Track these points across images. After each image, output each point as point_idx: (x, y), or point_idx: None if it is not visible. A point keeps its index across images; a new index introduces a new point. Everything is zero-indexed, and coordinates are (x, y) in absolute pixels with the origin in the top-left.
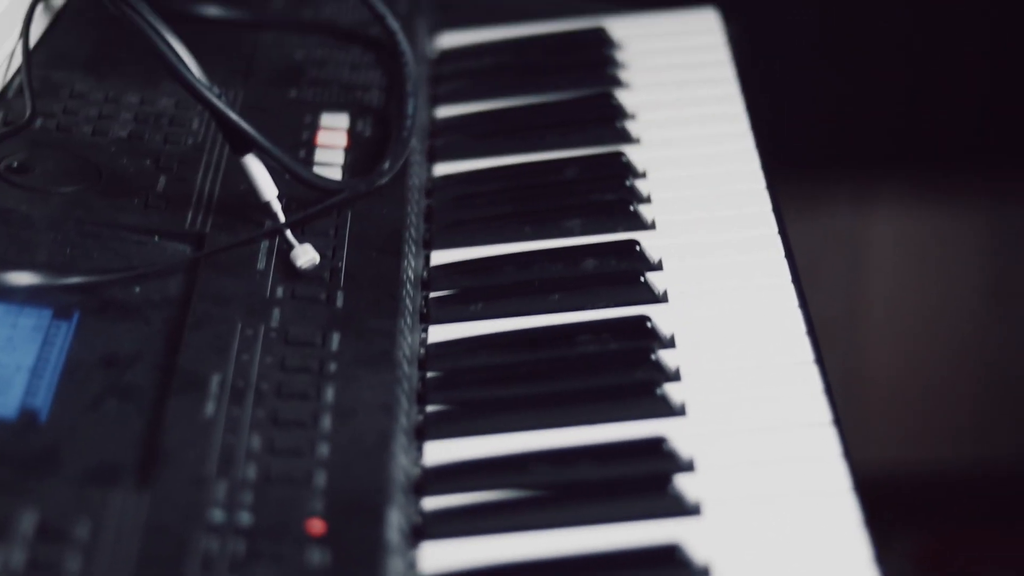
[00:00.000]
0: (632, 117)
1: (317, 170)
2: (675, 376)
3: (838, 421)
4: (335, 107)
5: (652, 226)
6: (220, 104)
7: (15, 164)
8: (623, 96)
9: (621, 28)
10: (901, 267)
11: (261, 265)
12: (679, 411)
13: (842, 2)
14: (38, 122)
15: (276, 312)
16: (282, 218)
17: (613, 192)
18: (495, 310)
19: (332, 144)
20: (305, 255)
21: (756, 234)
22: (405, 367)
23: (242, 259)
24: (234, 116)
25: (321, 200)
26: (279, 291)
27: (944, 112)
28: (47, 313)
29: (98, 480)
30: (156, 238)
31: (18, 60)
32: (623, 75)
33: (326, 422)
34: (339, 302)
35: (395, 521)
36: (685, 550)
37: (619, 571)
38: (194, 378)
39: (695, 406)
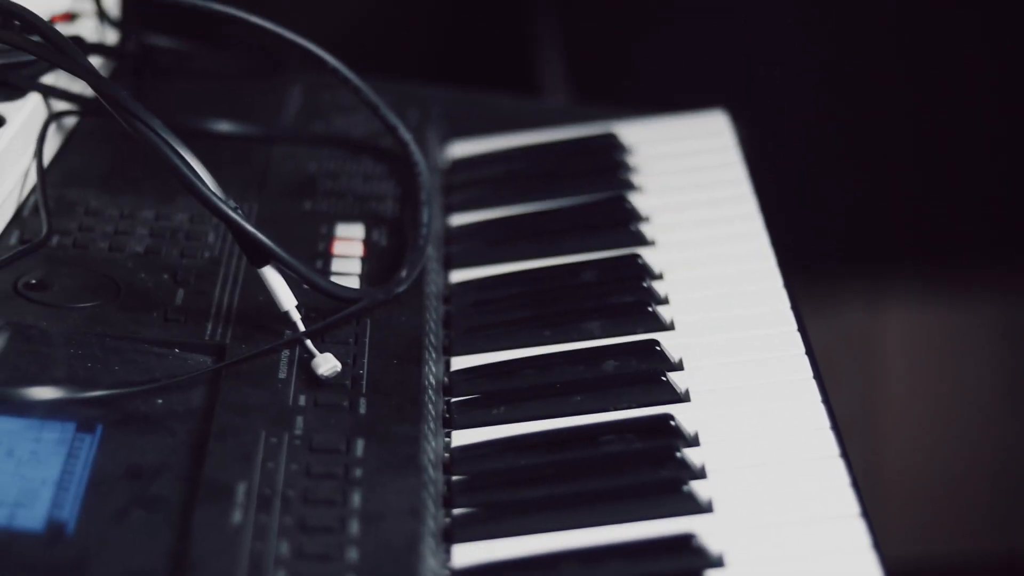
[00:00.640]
0: (646, 220)
1: (335, 280)
2: (701, 473)
3: (866, 514)
4: (350, 217)
5: (671, 327)
6: (238, 217)
7: (33, 281)
8: (636, 199)
9: (631, 133)
10: (916, 363)
11: (283, 374)
12: (706, 508)
13: (850, 100)
14: (54, 240)
15: (299, 420)
16: (302, 328)
17: (631, 294)
18: (518, 413)
19: (348, 254)
20: (326, 363)
21: (776, 332)
22: (430, 471)
23: (264, 369)
24: (252, 229)
25: (340, 309)
26: (301, 399)
27: (955, 207)
28: (70, 427)
29: None
30: (176, 350)
31: (32, 179)
32: (635, 179)
33: (354, 527)
34: (362, 409)
35: None
36: None
37: None
38: (220, 487)
39: (722, 502)
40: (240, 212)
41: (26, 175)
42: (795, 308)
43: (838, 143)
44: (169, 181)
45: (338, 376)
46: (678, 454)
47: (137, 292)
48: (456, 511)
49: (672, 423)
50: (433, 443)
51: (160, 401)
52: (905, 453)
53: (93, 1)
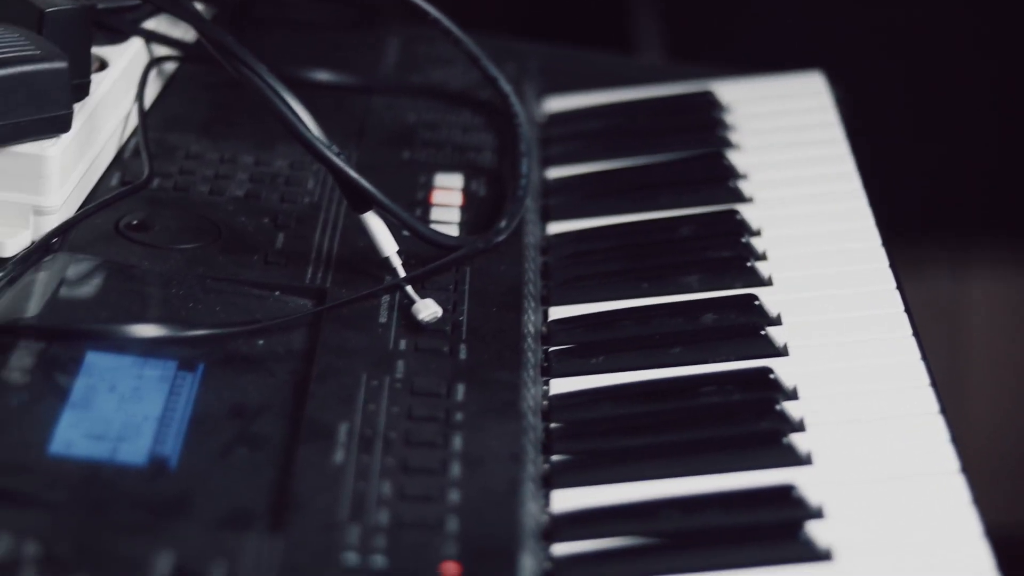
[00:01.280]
0: (744, 176)
1: (434, 228)
2: (800, 427)
3: (966, 470)
4: (449, 167)
5: (769, 282)
6: (341, 163)
7: (135, 222)
8: (733, 157)
9: (728, 92)
10: (1000, 332)
11: (383, 319)
12: (806, 460)
13: (934, 68)
14: (155, 182)
15: (400, 364)
16: (402, 273)
17: (729, 249)
18: (616, 363)
19: (447, 203)
20: (427, 309)
21: (874, 289)
22: (530, 417)
23: (364, 313)
24: (355, 175)
25: (439, 257)
26: (402, 344)
27: None
28: (172, 365)
29: (232, 524)
30: (277, 293)
31: (133, 122)
32: (732, 137)
33: (455, 469)
34: (462, 354)
35: (528, 566)
36: None
37: None
38: (322, 427)
39: (821, 456)
40: (344, 158)
41: (127, 118)
42: (894, 266)
43: (923, 111)
44: (269, 128)
45: (438, 322)
46: (777, 406)
47: (237, 235)
48: (555, 457)
49: (771, 376)
50: (532, 390)
51: (261, 342)
52: (989, 421)
53: None
